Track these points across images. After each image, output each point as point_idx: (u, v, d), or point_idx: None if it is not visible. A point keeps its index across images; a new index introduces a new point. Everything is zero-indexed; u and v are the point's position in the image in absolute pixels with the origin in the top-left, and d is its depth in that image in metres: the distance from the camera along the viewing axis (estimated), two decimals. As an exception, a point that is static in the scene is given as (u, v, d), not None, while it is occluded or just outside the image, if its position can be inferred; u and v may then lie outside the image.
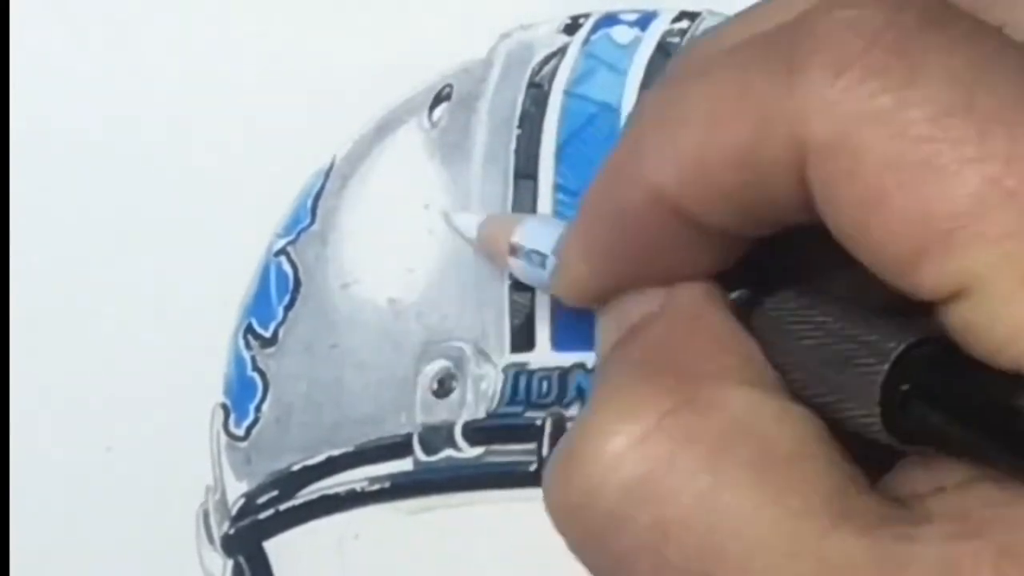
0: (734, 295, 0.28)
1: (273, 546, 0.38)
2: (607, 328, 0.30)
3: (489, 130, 0.39)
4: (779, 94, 0.24)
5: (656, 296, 0.28)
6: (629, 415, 0.25)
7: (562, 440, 0.27)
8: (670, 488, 0.25)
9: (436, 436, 0.38)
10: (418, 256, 0.38)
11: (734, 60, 0.26)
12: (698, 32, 0.39)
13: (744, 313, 0.28)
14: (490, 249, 0.36)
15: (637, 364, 0.27)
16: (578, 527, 0.26)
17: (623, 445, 0.25)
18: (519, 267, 0.35)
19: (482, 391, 0.38)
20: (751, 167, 0.25)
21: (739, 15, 0.29)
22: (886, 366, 0.24)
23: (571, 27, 0.39)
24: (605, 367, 0.28)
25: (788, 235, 0.27)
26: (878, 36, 0.24)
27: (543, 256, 0.33)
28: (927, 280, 0.23)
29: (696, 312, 0.28)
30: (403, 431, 0.38)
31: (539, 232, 0.34)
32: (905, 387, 0.24)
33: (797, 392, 0.26)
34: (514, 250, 0.35)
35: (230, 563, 0.38)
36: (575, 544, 0.27)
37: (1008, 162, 0.22)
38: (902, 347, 0.24)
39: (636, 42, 0.39)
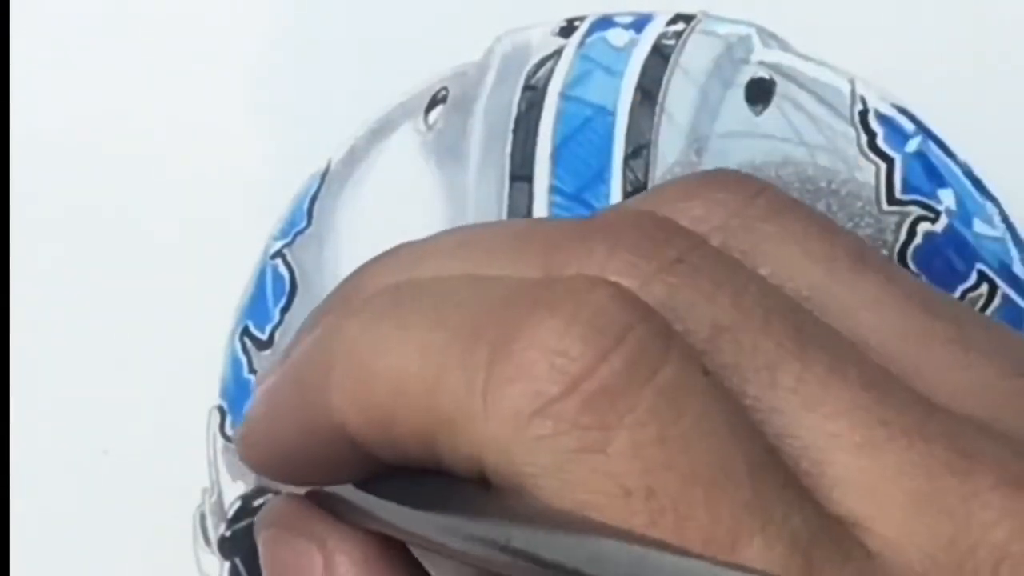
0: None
1: (269, 548, 0.38)
2: (269, 563, 0.30)
3: (485, 133, 0.39)
4: (469, 411, 0.24)
5: (312, 562, 0.28)
6: None
7: None
8: None
9: (432, 438, 0.38)
10: (414, 258, 0.38)
11: (438, 325, 0.26)
12: (693, 34, 0.39)
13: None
14: None
15: None
16: None
17: None
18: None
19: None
20: (432, 451, 0.25)
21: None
22: None
23: (566, 30, 0.39)
24: None
25: None
26: (578, 383, 0.23)
27: None
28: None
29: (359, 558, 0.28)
30: (399, 433, 0.38)
31: None
32: None
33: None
34: None
35: (227, 565, 0.39)
36: None
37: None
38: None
39: (631, 45, 0.39)
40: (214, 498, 0.39)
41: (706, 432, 0.23)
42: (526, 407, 0.23)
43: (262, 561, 0.30)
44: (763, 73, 0.39)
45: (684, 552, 0.22)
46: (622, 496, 0.23)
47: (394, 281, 0.28)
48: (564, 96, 0.38)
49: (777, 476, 0.23)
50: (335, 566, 0.28)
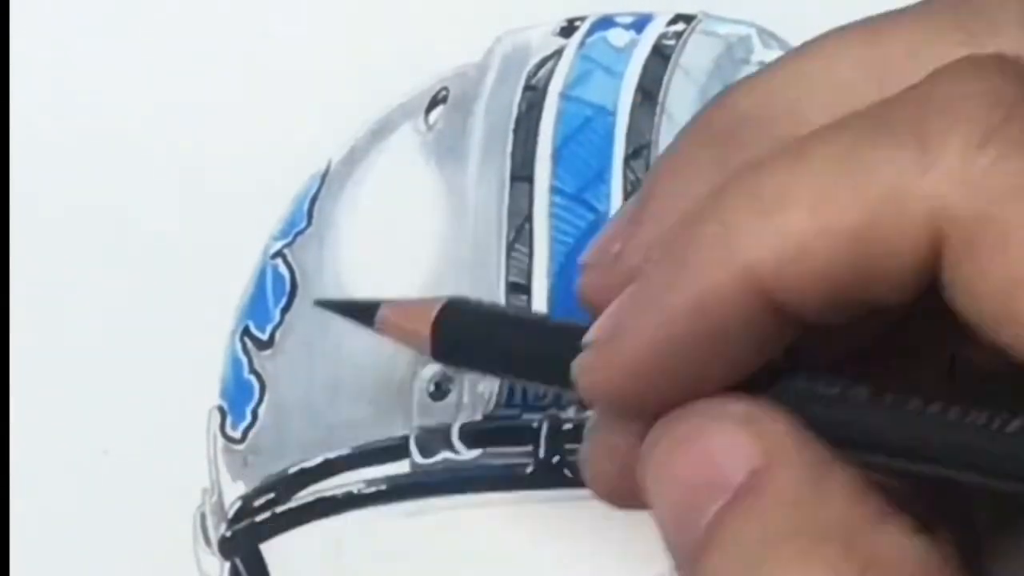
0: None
1: (270, 548, 0.38)
2: (685, 481, 0.26)
3: (485, 133, 0.39)
4: (911, 172, 0.23)
5: (746, 442, 0.25)
6: None
7: None
8: None
9: (433, 438, 0.38)
10: (414, 258, 0.38)
11: (841, 138, 0.24)
12: (693, 34, 0.39)
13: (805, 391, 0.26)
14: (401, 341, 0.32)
15: (789, 532, 0.24)
16: None
17: None
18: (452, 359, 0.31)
19: (479, 393, 0.38)
20: (867, 251, 0.24)
21: (783, 64, 0.27)
22: None
23: (567, 30, 0.39)
24: (733, 542, 0.24)
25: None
26: (1015, 110, 0.23)
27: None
28: None
29: (812, 460, 0.25)
30: (400, 433, 0.38)
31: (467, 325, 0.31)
32: None
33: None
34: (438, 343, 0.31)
35: (227, 565, 0.39)
36: None
37: None
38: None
39: (632, 45, 0.39)
40: (214, 498, 0.39)
41: None
42: (974, 141, 0.23)
43: (658, 480, 0.26)
44: (763, 73, 0.39)
45: None
46: None
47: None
48: (564, 96, 0.39)
49: None
50: (772, 443, 0.25)
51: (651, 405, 0.26)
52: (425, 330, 0.30)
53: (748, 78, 0.28)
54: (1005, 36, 0.25)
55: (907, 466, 0.25)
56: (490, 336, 0.29)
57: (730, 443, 0.25)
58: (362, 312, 0.32)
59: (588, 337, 0.26)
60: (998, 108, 0.23)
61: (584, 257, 0.29)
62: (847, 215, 0.23)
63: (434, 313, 0.30)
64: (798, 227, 0.24)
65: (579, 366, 0.26)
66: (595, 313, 0.27)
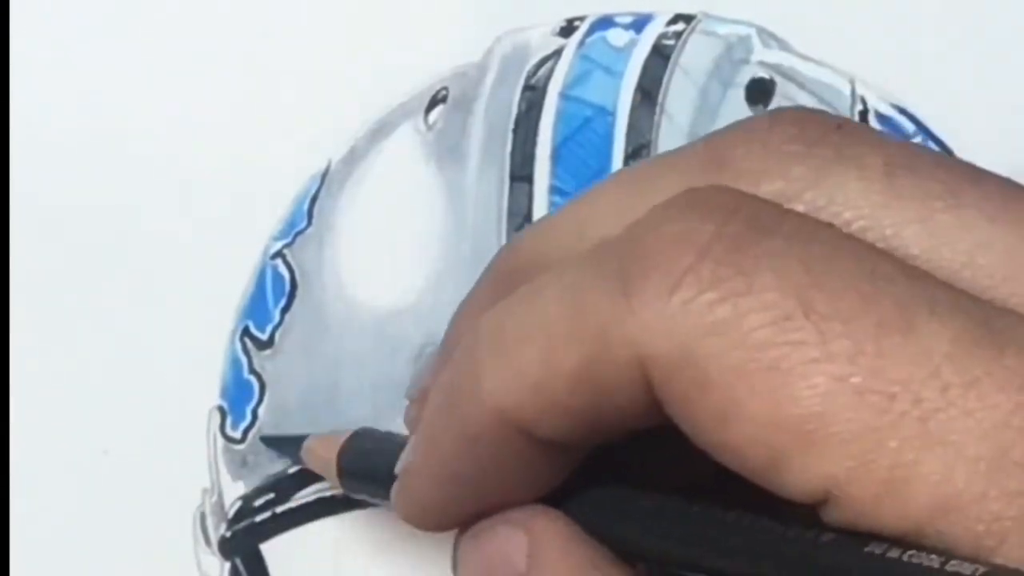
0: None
1: (270, 549, 0.38)
2: (469, 567, 0.29)
3: (485, 133, 0.39)
4: (615, 315, 0.24)
5: (516, 544, 0.28)
6: None
7: None
8: None
9: (432, 438, 0.38)
10: (414, 259, 0.38)
11: (567, 279, 0.26)
12: (693, 34, 0.39)
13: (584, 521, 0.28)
14: (317, 469, 0.36)
15: None
16: None
17: None
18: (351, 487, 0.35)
19: (478, 393, 0.38)
20: (593, 387, 0.25)
21: (567, 210, 0.29)
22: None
23: (566, 30, 0.39)
24: None
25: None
26: (708, 248, 0.24)
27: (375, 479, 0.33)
28: (792, 485, 0.23)
29: (570, 565, 0.27)
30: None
31: (366, 452, 0.34)
32: None
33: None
34: (341, 471, 0.35)
35: (227, 566, 0.39)
36: None
37: (852, 360, 0.23)
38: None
39: (631, 45, 0.39)
40: (214, 498, 0.39)
41: (844, 250, 0.24)
42: (666, 286, 0.24)
43: (462, 570, 0.29)
44: (763, 73, 0.39)
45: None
46: (783, 320, 0.23)
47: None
48: (564, 96, 0.39)
49: (928, 277, 0.24)
50: (540, 545, 0.27)
51: (456, 523, 0.29)
52: (332, 461, 0.35)
53: (537, 222, 0.31)
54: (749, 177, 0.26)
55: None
56: (386, 464, 0.31)
57: (501, 544, 0.28)
58: (292, 446, 0.37)
59: (396, 469, 0.30)
60: (690, 250, 0.24)
61: (406, 393, 0.33)
62: (568, 357, 0.25)
63: (340, 443, 0.34)
64: (531, 368, 0.26)
65: (392, 497, 0.30)
66: None
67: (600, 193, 0.29)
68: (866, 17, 0.39)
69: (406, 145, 0.39)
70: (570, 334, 0.25)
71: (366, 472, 0.34)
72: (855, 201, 0.25)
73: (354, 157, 0.39)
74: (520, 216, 0.38)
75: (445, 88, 0.39)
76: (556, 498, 0.28)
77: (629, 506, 0.27)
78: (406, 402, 0.37)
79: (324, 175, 0.39)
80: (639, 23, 0.39)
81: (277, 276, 0.39)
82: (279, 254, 0.39)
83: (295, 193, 0.39)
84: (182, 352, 0.39)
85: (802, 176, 0.26)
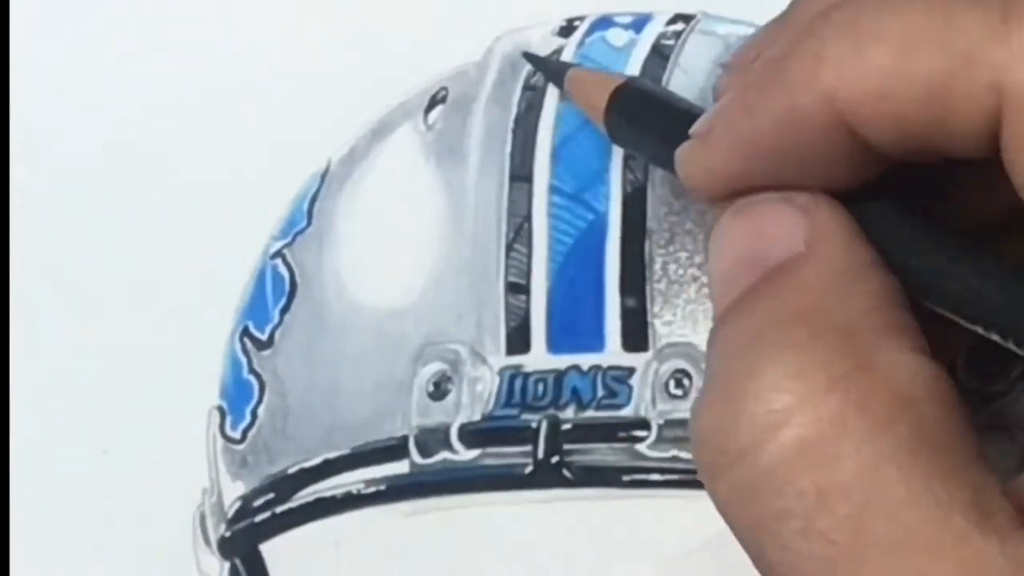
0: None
1: (269, 549, 0.38)
2: (734, 255, 0.28)
3: (484, 133, 0.39)
4: (988, 38, 0.24)
5: (793, 225, 0.27)
6: (798, 374, 0.25)
7: (711, 390, 0.26)
8: (835, 455, 0.24)
9: (432, 438, 0.38)
10: (414, 258, 0.38)
11: None
12: (692, 34, 0.39)
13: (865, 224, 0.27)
14: (583, 104, 0.35)
15: (798, 317, 0.26)
16: (729, 481, 0.25)
17: (792, 403, 0.24)
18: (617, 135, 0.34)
19: (478, 393, 0.38)
20: (940, 103, 0.25)
21: None
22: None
23: (566, 29, 0.39)
24: (753, 314, 0.26)
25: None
26: None
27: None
28: None
29: (847, 258, 0.26)
30: (399, 433, 0.38)
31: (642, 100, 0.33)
32: None
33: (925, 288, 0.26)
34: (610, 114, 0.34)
35: (226, 566, 0.39)
36: (721, 499, 0.26)
37: None
38: None
39: (631, 44, 0.39)
40: (214, 498, 0.39)
41: None
42: None
43: (721, 239, 0.28)
44: (763, 73, 0.39)
45: None
46: None
47: None
48: (564, 96, 0.38)
49: None
50: (821, 232, 0.27)
51: (739, 196, 0.28)
52: (601, 103, 0.34)
53: None
54: None
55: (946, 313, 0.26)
56: (665, 120, 0.31)
57: (779, 223, 0.27)
58: (554, 72, 0.36)
59: (692, 130, 0.29)
60: None
61: (727, 59, 0.32)
62: (926, 65, 0.24)
63: (613, 87, 0.33)
64: (882, 65, 0.25)
65: (678, 156, 0.29)
66: None
67: None
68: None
69: (406, 145, 0.39)
70: (934, 40, 0.24)
71: (641, 122, 0.33)
72: None
73: (354, 157, 0.39)
74: (520, 216, 0.38)
75: (445, 88, 0.39)
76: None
77: (904, 224, 0.27)
78: (405, 402, 0.38)
79: (324, 175, 0.39)
80: (638, 23, 0.39)
81: (277, 276, 0.39)
82: (279, 254, 0.39)
83: (295, 193, 0.39)
84: (182, 352, 0.39)
85: None
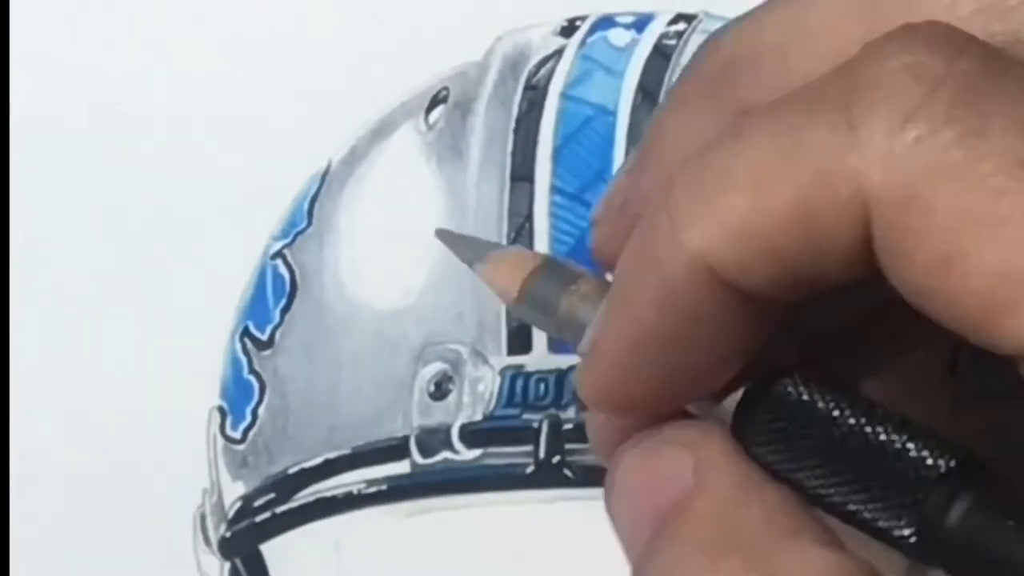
0: (741, 390, 0.27)
1: (270, 549, 0.38)
2: (631, 503, 0.28)
3: (485, 133, 0.39)
4: (838, 151, 0.23)
5: (679, 462, 0.27)
6: None
7: None
8: None
9: (433, 438, 0.38)
10: (415, 258, 0.38)
11: (777, 118, 0.24)
12: (694, 34, 0.39)
13: (754, 414, 0.27)
14: (498, 290, 0.34)
15: (699, 550, 0.25)
16: None
17: None
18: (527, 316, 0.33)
19: (479, 393, 0.38)
20: (806, 229, 0.24)
21: (771, 9, 0.28)
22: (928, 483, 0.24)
23: (567, 30, 0.39)
24: (658, 560, 0.26)
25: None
26: (941, 84, 0.23)
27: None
28: (1006, 337, 0.22)
29: (735, 478, 0.26)
30: (400, 433, 0.38)
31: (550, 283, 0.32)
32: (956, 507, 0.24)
33: (823, 498, 0.26)
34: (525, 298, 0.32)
35: (227, 566, 0.39)
36: None
37: None
38: (950, 464, 0.24)
39: (632, 45, 0.39)
40: (214, 499, 0.39)
41: None
42: (897, 119, 0.23)
43: (617, 492, 0.28)
44: (764, 73, 0.39)
45: None
46: (1019, 167, 0.22)
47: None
48: (565, 96, 0.38)
49: None
50: (705, 464, 0.26)
51: (642, 407, 0.27)
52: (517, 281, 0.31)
53: (735, 23, 0.28)
54: None
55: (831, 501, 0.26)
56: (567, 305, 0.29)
57: (667, 464, 0.26)
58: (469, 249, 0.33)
59: (578, 349, 0.28)
60: (922, 84, 0.23)
61: (593, 214, 0.30)
62: (783, 195, 0.24)
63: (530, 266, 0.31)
64: (739, 209, 0.24)
65: (575, 376, 0.28)
66: (608, 267, 0.28)
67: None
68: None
69: (407, 145, 0.39)
70: (784, 172, 0.24)
71: (545, 307, 0.30)
72: None
73: (354, 157, 0.39)
74: (520, 216, 0.38)
75: (446, 88, 0.39)
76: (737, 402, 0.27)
77: (793, 411, 0.26)
78: (406, 402, 0.38)
79: (324, 175, 0.39)
80: (640, 23, 0.39)
81: (277, 276, 0.39)
82: (279, 254, 0.39)
83: (295, 193, 0.39)
84: (182, 352, 0.39)
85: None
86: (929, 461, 0.24)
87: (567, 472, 0.37)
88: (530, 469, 0.37)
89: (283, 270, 0.39)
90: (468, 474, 0.38)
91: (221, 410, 0.39)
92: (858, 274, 0.24)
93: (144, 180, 0.40)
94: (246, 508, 0.38)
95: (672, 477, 0.26)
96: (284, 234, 0.39)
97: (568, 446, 0.37)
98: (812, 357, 0.27)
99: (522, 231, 0.38)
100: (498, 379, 0.38)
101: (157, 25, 0.40)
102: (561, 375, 0.37)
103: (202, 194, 0.39)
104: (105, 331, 0.39)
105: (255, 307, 0.39)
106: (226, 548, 0.39)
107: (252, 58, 0.40)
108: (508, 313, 0.38)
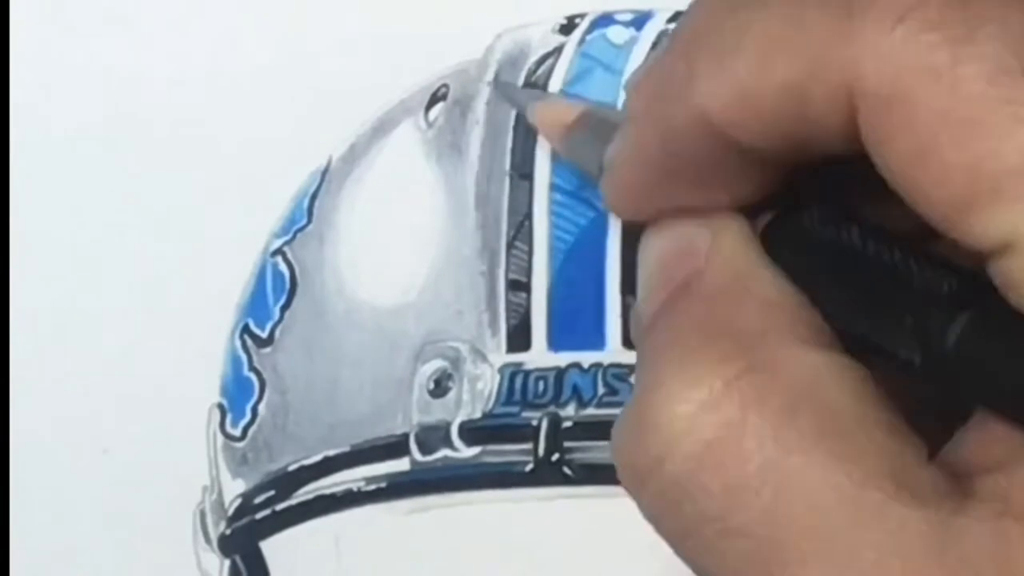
0: (766, 218, 0.28)
1: (269, 546, 0.38)
2: (649, 274, 0.29)
3: (485, 130, 0.39)
4: (835, 38, 0.24)
5: (697, 242, 0.28)
6: (695, 382, 0.25)
7: (627, 408, 0.27)
8: (739, 453, 0.25)
9: (432, 436, 0.38)
10: (415, 256, 0.38)
11: None
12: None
13: (776, 238, 0.28)
14: (545, 132, 0.37)
15: (694, 328, 0.27)
16: (648, 493, 0.26)
17: (692, 411, 0.25)
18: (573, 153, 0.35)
19: (478, 391, 0.38)
20: (801, 105, 0.25)
21: None
22: (934, 303, 0.25)
23: (567, 27, 0.39)
24: (661, 328, 0.27)
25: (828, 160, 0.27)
26: None
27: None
28: (974, 231, 0.24)
29: (743, 266, 0.28)
30: (399, 431, 0.38)
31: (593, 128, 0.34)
32: (957, 321, 0.24)
33: (833, 321, 0.27)
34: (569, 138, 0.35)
35: (227, 563, 0.39)
36: (646, 511, 0.27)
37: None
38: (953, 285, 0.25)
39: (632, 42, 0.39)
40: (214, 496, 0.39)
41: None
42: (890, 17, 0.24)
43: (640, 260, 0.29)
44: (763, 71, 0.39)
45: None
46: (999, 75, 0.23)
47: None
48: (565, 94, 0.39)
49: None
50: (720, 243, 0.28)
51: (655, 214, 0.29)
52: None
53: None
54: None
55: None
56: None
57: (684, 241, 0.28)
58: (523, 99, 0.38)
59: (604, 160, 0.30)
60: None
61: (624, 83, 0.33)
62: (782, 71, 0.25)
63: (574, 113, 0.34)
64: (743, 75, 0.26)
65: (602, 186, 0.30)
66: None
67: None
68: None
69: (406, 142, 0.39)
70: (787, 47, 0.25)
71: (588, 152, 0.33)
72: None
73: (354, 154, 0.39)
74: (520, 214, 0.38)
75: (445, 85, 0.39)
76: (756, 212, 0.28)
77: (810, 239, 0.27)
78: (406, 400, 0.38)
79: (324, 172, 0.39)
80: (639, 20, 0.39)
81: (277, 273, 0.39)
82: (279, 251, 0.39)
83: (295, 190, 0.39)
84: (182, 350, 0.39)
85: None
86: (932, 284, 0.25)
87: (566, 470, 0.37)
88: (529, 467, 0.37)
89: (283, 267, 0.39)
90: (467, 472, 0.38)
91: (221, 407, 0.39)
92: (848, 149, 0.25)
93: (144, 178, 0.40)
94: (246, 505, 0.38)
95: (687, 253, 0.28)
96: (284, 231, 0.39)
97: (567, 444, 0.37)
98: (831, 190, 0.28)
99: (522, 228, 0.38)
100: (497, 377, 0.38)
101: (157, 23, 0.41)
102: (560, 373, 0.37)
103: (202, 191, 0.40)
104: (105, 329, 0.39)
105: (255, 304, 0.39)
106: (226, 545, 0.39)
107: (252, 56, 0.40)
108: (507, 310, 0.38)
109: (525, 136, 0.38)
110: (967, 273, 0.25)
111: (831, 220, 0.27)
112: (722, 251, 0.28)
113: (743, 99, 0.26)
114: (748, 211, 0.28)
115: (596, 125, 0.34)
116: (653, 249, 0.29)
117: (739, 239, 0.28)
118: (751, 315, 0.26)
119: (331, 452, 0.38)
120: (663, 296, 0.28)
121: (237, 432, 0.39)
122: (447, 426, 0.38)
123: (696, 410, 0.25)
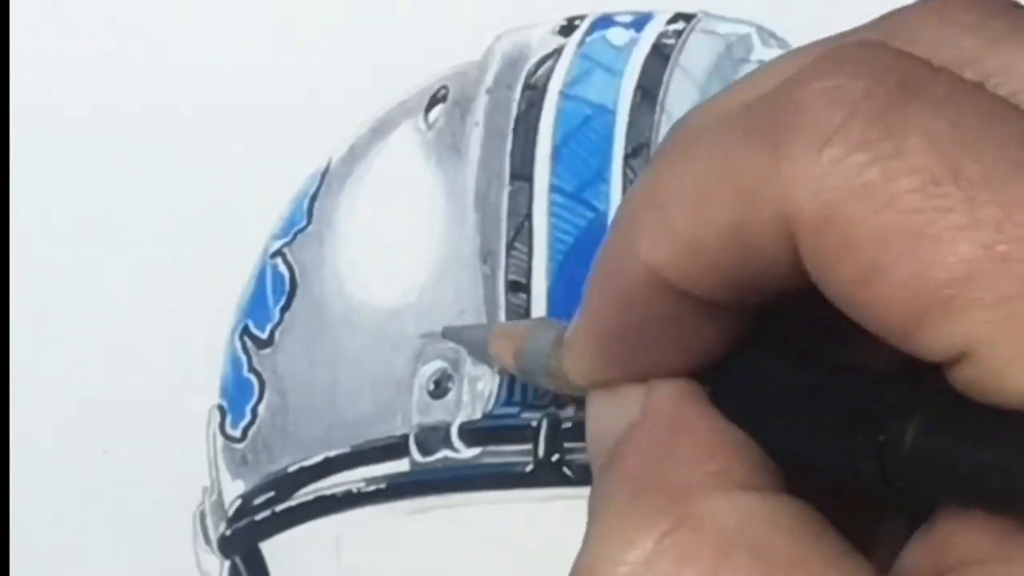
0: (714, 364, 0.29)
1: (269, 547, 0.38)
2: (590, 435, 0.30)
3: (484, 132, 0.39)
4: (764, 172, 0.24)
5: (635, 400, 0.29)
6: (629, 544, 0.26)
7: (577, 558, 0.27)
8: None
9: (432, 437, 0.38)
10: (414, 257, 0.38)
11: (718, 136, 0.26)
12: (693, 33, 0.39)
13: (724, 383, 0.28)
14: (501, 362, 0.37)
15: (628, 482, 0.27)
16: None
17: (627, 572, 0.25)
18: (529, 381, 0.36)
19: (478, 392, 0.38)
20: (744, 244, 0.25)
21: (732, 85, 0.29)
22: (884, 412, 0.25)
23: (567, 28, 0.39)
24: (600, 486, 0.28)
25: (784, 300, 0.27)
26: (858, 107, 0.24)
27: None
28: (929, 344, 0.23)
29: (675, 417, 0.28)
30: (399, 432, 0.38)
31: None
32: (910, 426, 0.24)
33: (784, 455, 0.27)
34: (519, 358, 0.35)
35: (227, 564, 0.39)
36: None
37: (998, 227, 0.23)
38: (901, 395, 0.25)
39: (632, 43, 0.39)
40: (214, 497, 0.39)
41: (997, 115, 0.24)
42: (815, 143, 0.24)
43: (587, 424, 0.30)
44: (763, 72, 0.39)
45: None
46: (931, 185, 0.23)
47: None
48: (564, 95, 0.39)
49: None
50: (653, 400, 0.28)
51: (616, 384, 0.30)
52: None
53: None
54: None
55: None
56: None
57: (625, 400, 0.29)
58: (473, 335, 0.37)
59: (565, 338, 0.31)
60: (841, 108, 0.24)
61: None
62: (720, 213, 0.25)
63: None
64: (683, 225, 0.26)
65: (563, 361, 0.31)
66: None
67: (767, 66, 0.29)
68: (866, 17, 0.39)
69: (406, 144, 0.39)
70: (720, 189, 0.25)
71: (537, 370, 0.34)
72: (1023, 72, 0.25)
73: (354, 156, 0.39)
74: (520, 215, 0.38)
75: (445, 87, 0.39)
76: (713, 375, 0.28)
77: (756, 380, 0.28)
78: (406, 400, 0.38)
79: (324, 173, 0.39)
80: (639, 22, 0.39)
81: (277, 275, 0.39)
82: (279, 253, 0.39)
83: (295, 192, 0.39)
84: (182, 351, 0.39)
85: (973, 47, 0.25)
86: (881, 398, 0.25)
87: (566, 471, 0.37)
88: (529, 468, 0.37)
89: (283, 269, 0.39)
90: (467, 472, 0.38)
91: (221, 408, 0.39)
92: (795, 284, 0.25)
93: (143, 179, 0.40)
94: (246, 506, 0.38)
95: (625, 410, 0.28)
96: (284, 233, 0.39)
97: (567, 445, 0.37)
98: (776, 331, 0.28)
99: (521, 230, 0.38)
100: (497, 378, 0.38)
101: (157, 23, 0.41)
102: (560, 374, 0.37)
103: (201, 193, 0.40)
104: (104, 329, 0.39)
105: (255, 305, 0.39)
106: (226, 546, 0.39)
107: (251, 57, 0.40)
108: (507, 311, 0.38)
109: (525, 137, 0.38)
110: (915, 376, 0.25)
111: (777, 357, 0.28)
112: (655, 404, 0.28)
113: (687, 248, 0.26)
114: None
115: (554, 331, 0.34)
116: (592, 407, 0.30)
117: (673, 391, 0.28)
118: (683, 466, 0.26)
119: (331, 453, 0.38)
120: (605, 455, 0.28)
121: (237, 433, 0.39)
122: (447, 427, 0.38)
123: (631, 571, 0.25)
